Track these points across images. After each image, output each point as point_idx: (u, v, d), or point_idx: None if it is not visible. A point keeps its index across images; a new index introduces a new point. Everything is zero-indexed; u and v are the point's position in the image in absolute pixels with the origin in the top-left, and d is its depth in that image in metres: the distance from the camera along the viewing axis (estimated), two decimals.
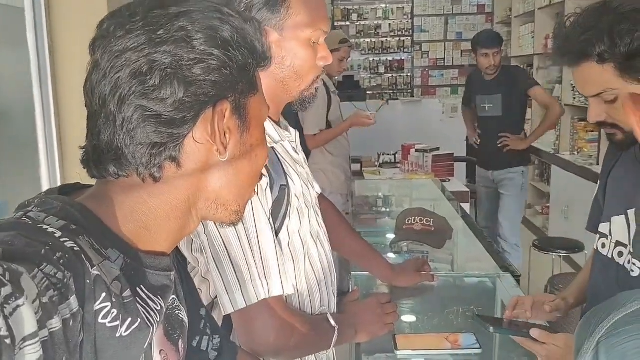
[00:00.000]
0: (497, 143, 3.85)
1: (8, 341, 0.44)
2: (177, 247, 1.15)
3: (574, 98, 4.43)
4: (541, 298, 1.45)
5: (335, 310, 1.24)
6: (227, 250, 1.02)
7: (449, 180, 3.92)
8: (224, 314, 1.05)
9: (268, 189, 1.06)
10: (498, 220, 3.95)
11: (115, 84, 0.61)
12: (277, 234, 1.08)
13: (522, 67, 5.36)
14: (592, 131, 4.28)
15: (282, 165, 1.10)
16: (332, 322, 1.15)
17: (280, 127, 1.17)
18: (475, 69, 4.09)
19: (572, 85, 4.26)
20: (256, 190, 1.03)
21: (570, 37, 1.12)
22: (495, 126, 3.87)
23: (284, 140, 1.15)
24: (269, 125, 1.12)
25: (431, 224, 2.17)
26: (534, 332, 1.24)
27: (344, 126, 3.48)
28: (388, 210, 3.20)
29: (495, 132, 3.87)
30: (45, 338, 0.48)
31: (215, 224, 1.01)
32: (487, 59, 3.73)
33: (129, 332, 0.59)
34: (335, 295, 1.25)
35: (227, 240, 1.01)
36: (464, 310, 1.70)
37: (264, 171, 1.05)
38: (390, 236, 2.32)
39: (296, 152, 1.19)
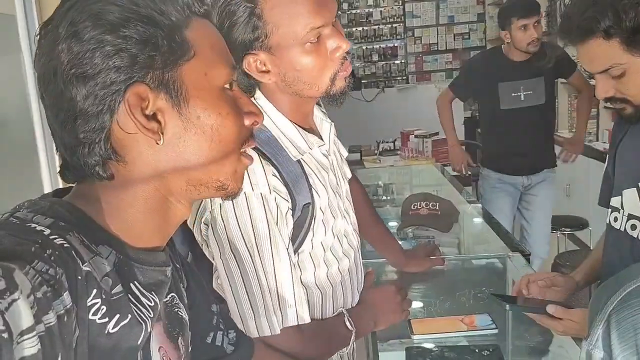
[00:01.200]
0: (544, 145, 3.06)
1: (5, 335, 0.44)
2: (188, 249, 1.13)
3: None
4: (550, 279, 1.44)
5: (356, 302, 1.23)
6: (242, 279, 1.00)
7: (450, 164, 3.91)
8: None
9: (289, 213, 1.02)
10: (527, 225, 3.24)
11: (45, 92, 0.62)
12: (298, 248, 1.06)
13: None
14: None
15: (307, 179, 1.06)
16: (349, 326, 1.14)
17: (314, 128, 1.13)
18: (494, 49, 3.35)
19: None
20: (276, 200, 0.99)
21: (573, 14, 1.12)
22: (535, 118, 3.00)
23: (312, 148, 1.09)
24: (297, 135, 1.06)
25: (437, 208, 2.17)
26: (550, 309, 1.24)
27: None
28: (390, 198, 3.19)
29: (535, 125, 3.02)
30: (42, 332, 0.48)
31: (231, 250, 1.00)
32: (526, 33, 2.84)
33: (116, 328, 0.58)
34: (359, 291, 1.24)
35: (244, 269, 1.00)
36: (476, 292, 1.70)
37: (286, 195, 1.00)
38: (393, 223, 2.31)
39: (326, 156, 1.13)
